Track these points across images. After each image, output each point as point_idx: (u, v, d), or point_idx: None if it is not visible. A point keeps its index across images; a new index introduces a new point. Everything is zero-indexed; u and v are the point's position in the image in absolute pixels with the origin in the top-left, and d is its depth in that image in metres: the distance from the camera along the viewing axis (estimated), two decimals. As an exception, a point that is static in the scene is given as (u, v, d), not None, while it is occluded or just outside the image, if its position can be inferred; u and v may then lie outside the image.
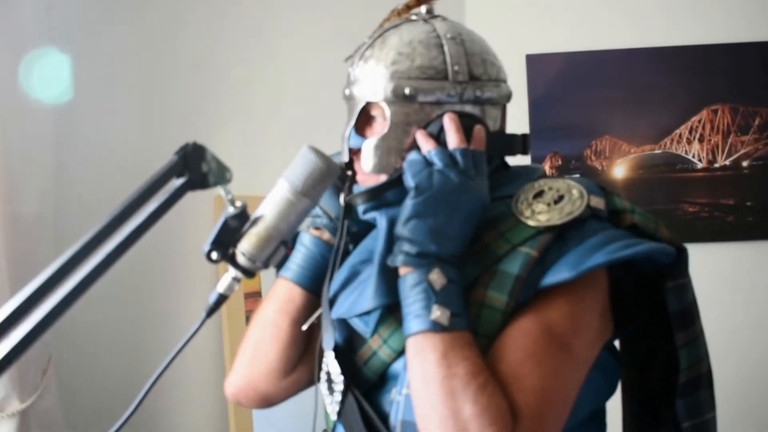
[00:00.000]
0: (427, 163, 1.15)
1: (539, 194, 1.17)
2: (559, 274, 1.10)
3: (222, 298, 1.05)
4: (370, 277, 1.18)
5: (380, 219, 1.19)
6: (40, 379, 1.81)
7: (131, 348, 2.12)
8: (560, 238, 1.13)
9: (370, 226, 1.27)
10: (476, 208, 1.14)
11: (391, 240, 1.15)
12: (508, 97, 1.27)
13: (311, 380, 1.33)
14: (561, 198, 1.16)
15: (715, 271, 2.83)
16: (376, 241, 1.24)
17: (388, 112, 1.19)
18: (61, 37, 1.89)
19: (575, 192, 1.16)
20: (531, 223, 1.14)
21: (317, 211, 1.29)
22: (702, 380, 1.24)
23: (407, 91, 1.19)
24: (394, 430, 1.16)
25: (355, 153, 1.23)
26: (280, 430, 2.23)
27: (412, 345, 1.08)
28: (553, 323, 1.10)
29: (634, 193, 2.86)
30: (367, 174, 1.22)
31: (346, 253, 1.29)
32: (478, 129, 1.19)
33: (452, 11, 1.48)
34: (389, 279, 1.14)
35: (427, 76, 1.19)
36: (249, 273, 1.04)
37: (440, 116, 1.19)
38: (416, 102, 1.19)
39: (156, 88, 2.22)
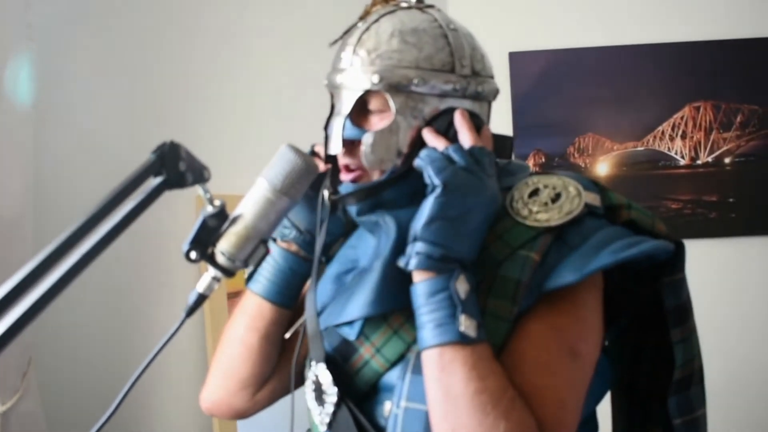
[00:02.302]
0: (449, 160, 1.07)
1: (534, 192, 1.13)
2: (562, 277, 1.05)
3: (201, 298, 1.04)
4: (357, 284, 1.13)
5: (386, 221, 1.12)
6: (20, 381, 1.79)
7: (112, 349, 2.11)
8: (559, 239, 1.09)
9: (340, 235, 1.24)
10: (493, 209, 1.08)
11: (402, 243, 1.07)
12: (496, 93, 1.23)
13: (286, 390, 1.30)
14: (558, 196, 1.12)
15: (698, 267, 2.82)
16: (357, 250, 1.21)
17: (392, 102, 1.12)
18: (39, 36, 1.87)
19: (572, 189, 1.12)
20: (529, 223, 1.10)
21: (285, 223, 1.24)
22: (694, 377, 1.22)
23: (416, 81, 1.11)
24: None
25: (346, 145, 1.15)
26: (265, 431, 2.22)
27: (435, 357, 1.01)
28: (561, 329, 1.07)
29: (618, 190, 2.84)
30: (361, 169, 1.15)
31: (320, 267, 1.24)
32: (485, 129, 1.15)
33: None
34: (390, 285, 1.08)
35: (436, 67, 1.12)
36: (228, 272, 1.03)
37: (445, 112, 1.13)
38: (422, 93, 1.12)
39: (134, 88, 2.20)
